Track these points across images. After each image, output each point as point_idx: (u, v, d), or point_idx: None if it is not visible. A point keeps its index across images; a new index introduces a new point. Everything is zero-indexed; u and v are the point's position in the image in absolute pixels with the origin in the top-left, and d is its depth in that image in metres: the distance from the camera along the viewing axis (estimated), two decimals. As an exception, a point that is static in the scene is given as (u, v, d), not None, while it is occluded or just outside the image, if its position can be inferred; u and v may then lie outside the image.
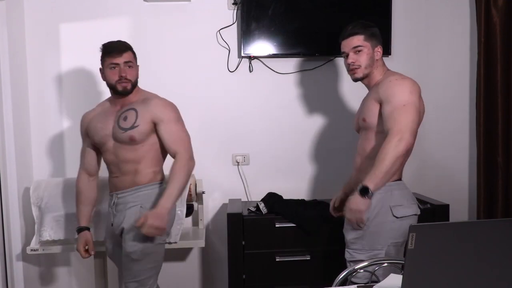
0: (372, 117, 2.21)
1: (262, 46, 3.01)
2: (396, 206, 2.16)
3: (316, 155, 3.17)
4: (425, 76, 3.19)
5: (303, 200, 2.93)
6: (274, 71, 3.11)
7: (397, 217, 2.15)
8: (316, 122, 3.16)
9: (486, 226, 1.41)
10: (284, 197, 2.89)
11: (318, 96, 3.15)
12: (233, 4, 3.04)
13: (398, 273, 1.79)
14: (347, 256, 2.23)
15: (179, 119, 2.31)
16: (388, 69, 2.32)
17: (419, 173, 3.23)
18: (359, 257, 2.16)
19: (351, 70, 2.28)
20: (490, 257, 1.30)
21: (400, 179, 2.26)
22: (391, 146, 2.06)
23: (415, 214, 2.22)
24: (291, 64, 3.12)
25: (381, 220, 2.15)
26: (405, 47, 3.16)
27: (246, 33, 2.98)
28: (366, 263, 1.92)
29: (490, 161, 3.09)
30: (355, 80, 2.31)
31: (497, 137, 3.05)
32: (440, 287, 1.30)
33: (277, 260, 2.70)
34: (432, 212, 2.74)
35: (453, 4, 3.18)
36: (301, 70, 3.13)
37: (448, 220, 2.78)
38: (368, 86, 2.33)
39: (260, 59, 3.08)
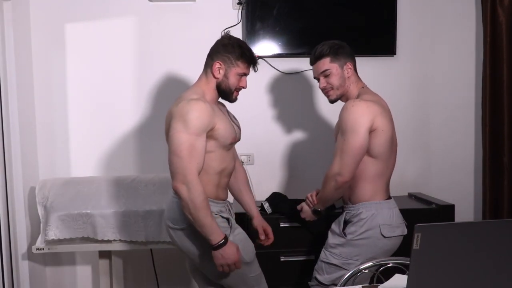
0: None
1: (267, 46, 3.01)
2: (385, 225, 2.20)
3: (321, 155, 3.16)
4: (430, 76, 3.19)
5: (307, 200, 2.93)
6: (279, 71, 3.11)
7: (384, 237, 2.18)
8: (322, 122, 3.15)
9: (491, 226, 1.41)
10: (289, 197, 2.88)
11: (324, 96, 3.12)
12: (237, 4, 3.04)
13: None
14: (322, 255, 2.28)
15: None
16: (363, 86, 2.30)
17: (425, 173, 3.22)
18: (332, 261, 2.22)
19: (325, 93, 2.30)
20: (496, 258, 1.30)
21: (390, 197, 2.29)
22: (329, 178, 2.22)
23: (402, 235, 2.24)
24: (296, 64, 3.12)
25: (368, 235, 2.19)
26: (411, 46, 3.15)
27: (251, 33, 2.98)
28: (371, 263, 1.93)
29: (496, 161, 3.08)
30: (331, 102, 2.33)
31: (503, 137, 3.04)
32: (445, 287, 1.29)
33: (281, 260, 2.70)
34: (437, 212, 2.73)
35: (459, 3, 3.17)
36: (306, 70, 3.12)
37: (453, 220, 2.77)
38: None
39: (265, 59, 3.08)
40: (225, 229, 2.10)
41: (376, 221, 2.19)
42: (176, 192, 1.99)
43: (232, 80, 2.13)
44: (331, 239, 2.28)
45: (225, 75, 2.13)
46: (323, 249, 2.30)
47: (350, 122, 2.13)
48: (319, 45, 2.28)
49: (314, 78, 2.34)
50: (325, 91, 2.29)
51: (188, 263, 2.35)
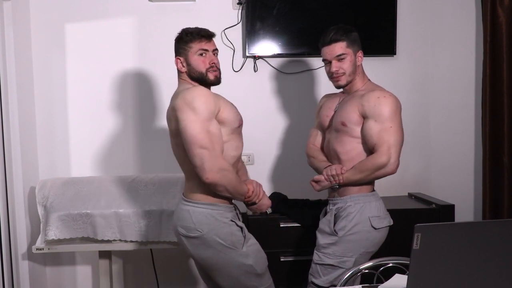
0: (353, 125, 2.20)
1: (267, 46, 3.01)
2: (374, 217, 2.20)
3: (321, 155, 3.17)
4: (430, 76, 3.19)
5: (308, 200, 2.92)
6: (279, 70, 3.12)
7: (375, 228, 2.18)
8: (321, 122, 3.15)
9: (491, 226, 1.41)
10: (289, 197, 2.88)
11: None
12: (237, 4, 3.04)
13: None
14: (316, 258, 2.24)
15: None
16: (368, 79, 2.31)
17: (425, 173, 3.22)
18: (327, 261, 2.20)
19: (334, 77, 2.25)
20: (496, 258, 1.30)
21: (373, 190, 2.29)
22: (376, 165, 2.14)
23: (389, 225, 2.25)
24: (296, 63, 3.12)
25: (358, 229, 2.18)
26: (410, 46, 3.15)
27: (250, 33, 2.98)
28: (371, 263, 1.93)
29: (496, 161, 3.07)
30: (339, 87, 2.29)
31: (503, 137, 3.04)
32: (445, 287, 1.29)
33: (281, 260, 2.70)
34: (437, 213, 2.73)
35: (459, 3, 3.17)
36: (306, 70, 3.12)
37: (453, 220, 2.77)
38: (348, 91, 2.30)
39: (265, 59, 3.08)
40: (239, 239, 2.09)
41: (365, 214, 2.18)
42: (211, 183, 1.99)
43: (195, 62, 2.11)
44: (322, 239, 2.25)
45: (187, 63, 2.13)
46: (315, 251, 2.27)
47: (396, 112, 2.14)
48: (333, 27, 2.23)
49: (323, 61, 2.26)
50: (335, 75, 2.23)
51: (199, 270, 2.33)
